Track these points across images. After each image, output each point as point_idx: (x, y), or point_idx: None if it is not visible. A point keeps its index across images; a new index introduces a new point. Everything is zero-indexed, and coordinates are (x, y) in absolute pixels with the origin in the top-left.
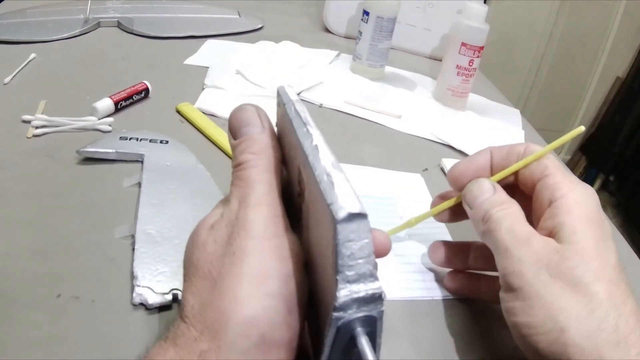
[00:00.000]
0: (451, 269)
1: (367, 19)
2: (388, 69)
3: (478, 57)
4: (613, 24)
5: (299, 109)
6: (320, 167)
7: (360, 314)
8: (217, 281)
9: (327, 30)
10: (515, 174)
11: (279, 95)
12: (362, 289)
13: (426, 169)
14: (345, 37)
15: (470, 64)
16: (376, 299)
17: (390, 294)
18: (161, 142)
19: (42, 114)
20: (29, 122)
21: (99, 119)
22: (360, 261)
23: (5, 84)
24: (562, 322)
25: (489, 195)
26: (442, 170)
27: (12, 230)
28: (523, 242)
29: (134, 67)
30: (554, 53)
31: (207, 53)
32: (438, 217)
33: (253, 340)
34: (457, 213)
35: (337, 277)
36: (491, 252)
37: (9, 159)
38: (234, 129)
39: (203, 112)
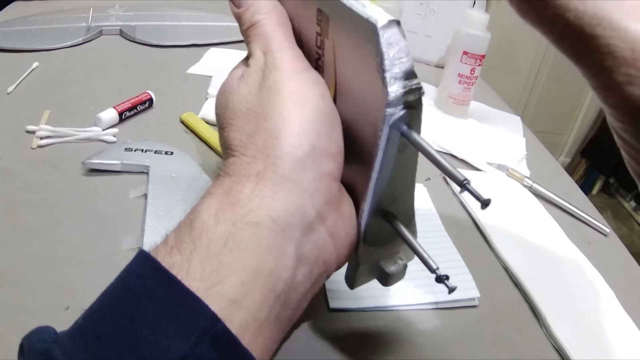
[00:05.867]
0: None
1: None
2: None
3: (479, 65)
4: None
5: None
6: None
7: (406, 110)
8: (259, 111)
9: None
10: None
11: None
12: (408, 85)
13: (429, 179)
14: None
15: (472, 72)
16: (419, 94)
17: (396, 302)
18: (166, 153)
19: (46, 124)
20: (33, 132)
21: (103, 130)
22: (402, 60)
23: (8, 93)
24: None
25: None
26: (445, 179)
27: (19, 239)
28: None
29: (137, 75)
30: (554, 56)
31: (210, 61)
32: None
33: (305, 150)
34: None
35: (386, 75)
36: None
37: (15, 169)
38: None
39: (207, 123)
